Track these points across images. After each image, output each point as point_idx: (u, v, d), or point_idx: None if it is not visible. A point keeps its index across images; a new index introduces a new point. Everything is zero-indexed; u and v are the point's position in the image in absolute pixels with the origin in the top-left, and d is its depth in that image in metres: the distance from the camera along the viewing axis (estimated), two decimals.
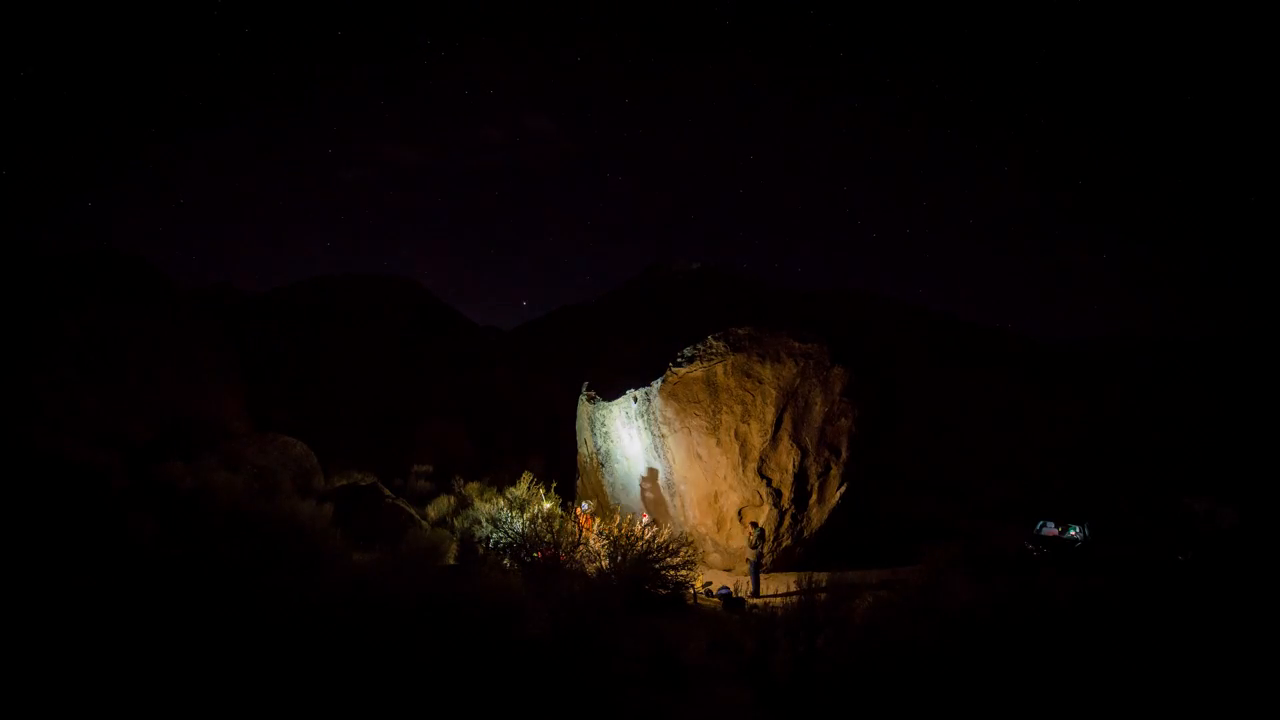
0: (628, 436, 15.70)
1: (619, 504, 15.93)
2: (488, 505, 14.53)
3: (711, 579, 13.35)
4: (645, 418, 15.14)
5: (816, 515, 14.58)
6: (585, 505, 15.14)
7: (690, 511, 14.75)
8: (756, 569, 12.78)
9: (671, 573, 11.80)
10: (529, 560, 12.16)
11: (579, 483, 17.79)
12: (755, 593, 12.52)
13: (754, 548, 12.92)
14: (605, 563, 11.93)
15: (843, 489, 14.58)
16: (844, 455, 14.66)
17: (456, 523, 14.01)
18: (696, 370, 14.65)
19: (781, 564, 14.30)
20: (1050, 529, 14.80)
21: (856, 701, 6.54)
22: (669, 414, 14.68)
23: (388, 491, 15.07)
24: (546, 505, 14.36)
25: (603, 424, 16.24)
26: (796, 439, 14.48)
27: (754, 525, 13.39)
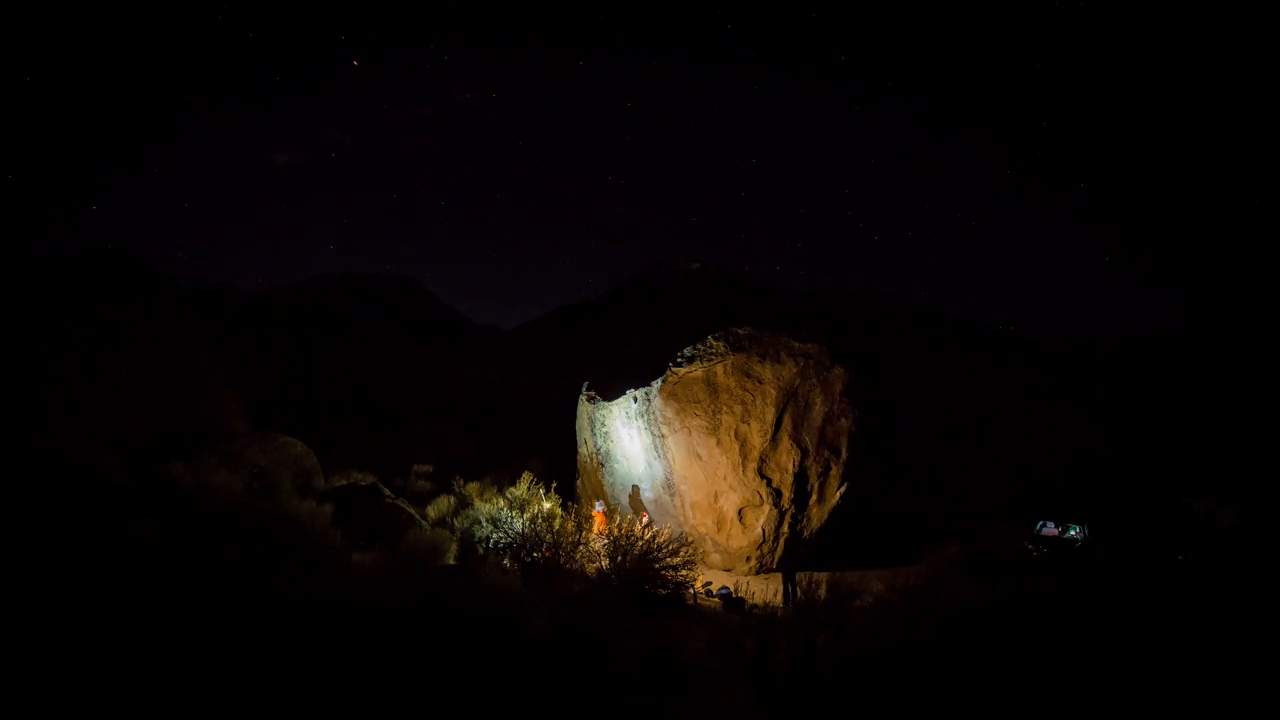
0: (628, 436, 15.70)
1: (619, 504, 15.93)
2: (488, 505, 14.52)
3: (711, 579, 13.35)
4: (645, 418, 15.14)
5: (816, 515, 14.59)
6: (600, 505, 15.11)
7: (690, 511, 14.75)
8: (792, 575, 12.09)
9: (671, 573, 11.80)
10: (529, 560, 12.15)
11: (579, 483, 17.78)
12: (790, 598, 11.83)
13: (788, 553, 12.72)
14: (605, 563, 11.93)
15: (843, 489, 14.58)
16: (844, 455, 14.67)
17: (456, 523, 14.00)
18: (696, 370, 14.64)
19: (782, 564, 14.30)
20: (1050, 529, 14.81)
21: (857, 702, 6.54)
22: (669, 414, 14.68)
23: (388, 491, 15.06)
24: (546, 505, 14.34)
25: (603, 424, 16.23)
26: (796, 439, 14.49)
27: (790, 529, 13.29)
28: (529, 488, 14.63)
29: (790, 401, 14.61)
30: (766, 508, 14.13)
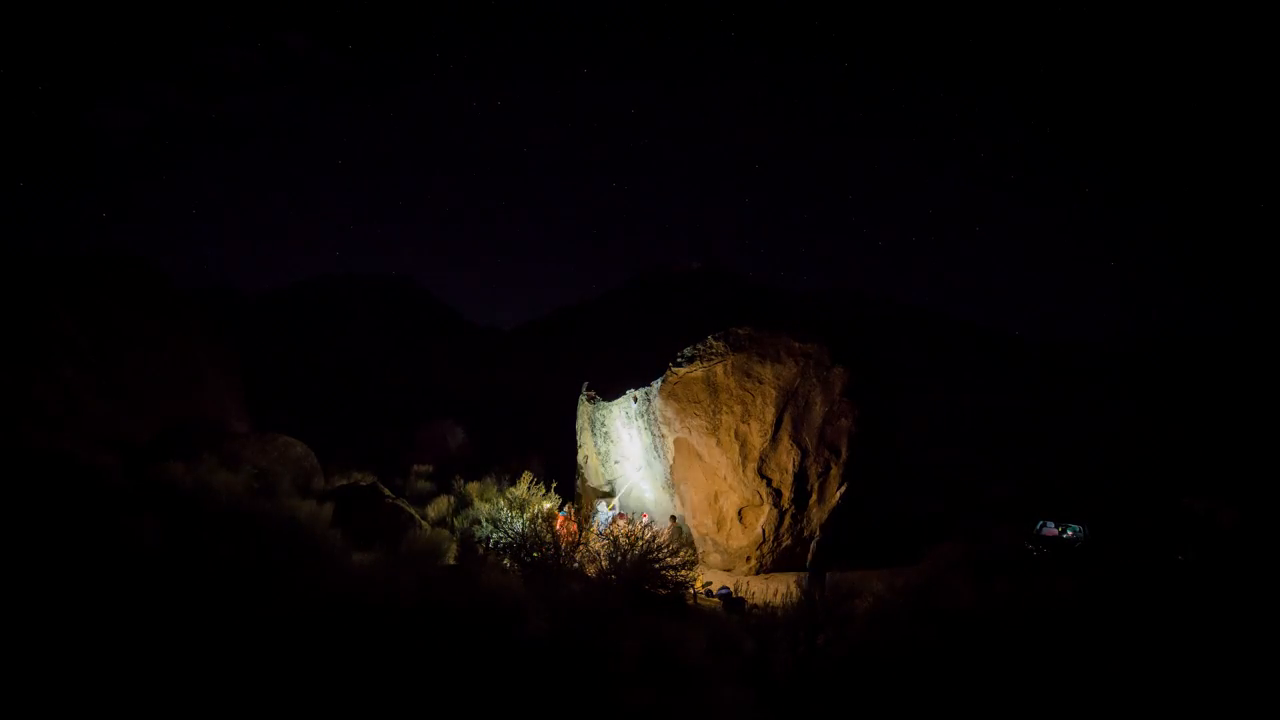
0: (628, 436, 15.70)
1: (618, 504, 15.93)
2: (488, 505, 14.53)
3: (711, 579, 13.35)
4: (645, 418, 15.14)
5: (816, 515, 14.58)
6: (564, 510, 14.84)
7: (690, 511, 14.75)
8: (821, 576, 11.73)
9: (671, 573, 11.79)
10: (529, 560, 12.15)
11: (579, 483, 17.79)
12: (810, 596, 11.65)
13: (813, 555, 12.50)
14: (605, 563, 11.93)
15: (843, 489, 14.58)
16: (844, 455, 14.66)
17: (456, 523, 14.01)
18: (696, 370, 14.64)
19: (782, 564, 14.30)
20: (1050, 529, 14.79)
21: (857, 701, 6.54)
22: (669, 414, 14.68)
23: (388, 491, 15.05)
24: (546, 505, 14.33)
25: (603, 424, 16.24)
26: (796, 439, 14.48)
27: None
28: (529, 488, 14.63)
29: (790, 401, 14.61)
30: (766, 508, 14.13)
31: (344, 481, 16.12)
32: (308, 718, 5.59)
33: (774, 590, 12.80)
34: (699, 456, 14.55)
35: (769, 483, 14.28)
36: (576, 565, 12.41)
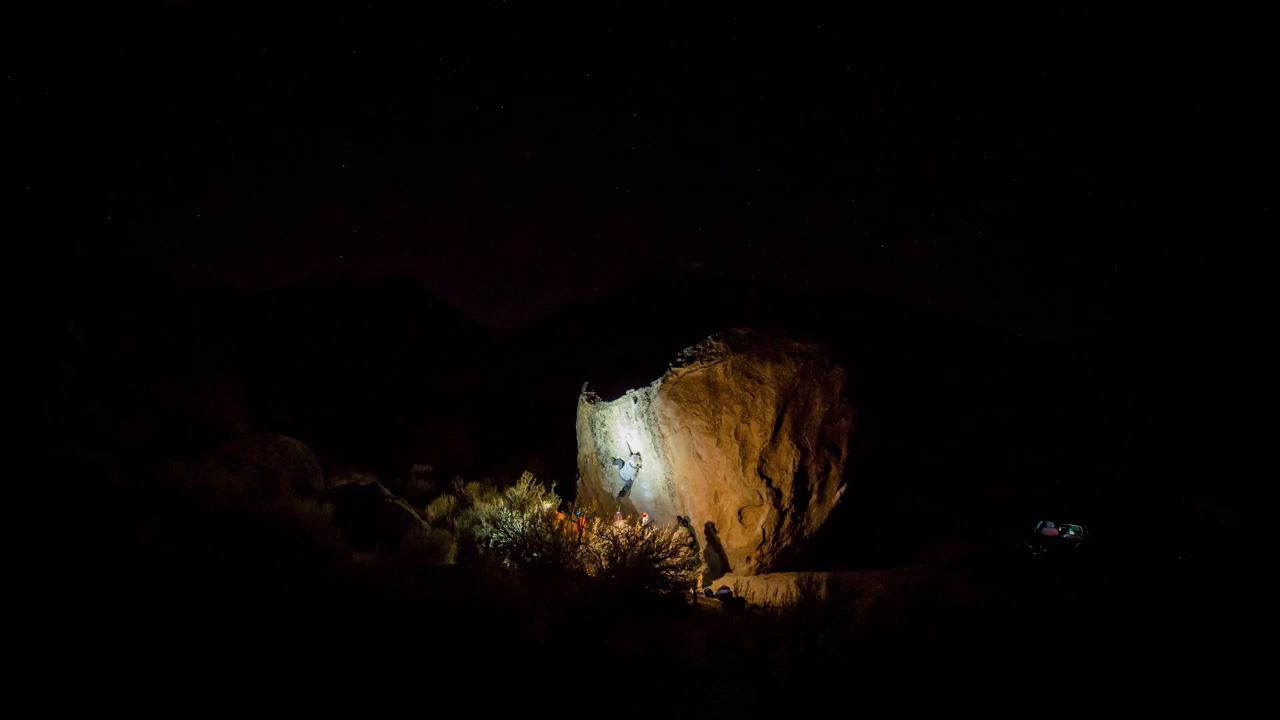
0: (628, 436, 15.70)
1: (619, 504, 15.92)
2: (488, 505, 14.54)
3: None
4: (645, 418, 15.14)
5: (816, 515, 14.57)
6: (581, 511, 15.04)
7: (690, 512, 14.75)
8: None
9: (671, 573, 11.79)
10: (529, 560, 12.16)
11: (579, 483, 17.78)
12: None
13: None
14: (605, 563, 11.93)
15: (843, 489, 14.57)
16: (844, 455, 14.65)
17: (456, 523, 14.01)
18: (696, 370, 14.64)
19: (782, 564, 14.29)
20: (1050, 529, 14.78)
21: (857, 701, 6.54)
22: (669, 414, 14.67)
23: (388, 491, 15.05)
24: (546, 505, 14.34)
25: (603, 424, 16.23)
26: (796, 439, 14.47)
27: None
28: (529, 488, 14.63)
29: (790, 401, 14.60)
30: (766, 508, 14.12)
31: (344, 481, 16.12)
32: (309, 716, 5.58)
33: (774, 590, 12.80)
34: (699, 456, 14.54)
35: (769, 483, 14.28)
36: (576, 565, 12.41)
